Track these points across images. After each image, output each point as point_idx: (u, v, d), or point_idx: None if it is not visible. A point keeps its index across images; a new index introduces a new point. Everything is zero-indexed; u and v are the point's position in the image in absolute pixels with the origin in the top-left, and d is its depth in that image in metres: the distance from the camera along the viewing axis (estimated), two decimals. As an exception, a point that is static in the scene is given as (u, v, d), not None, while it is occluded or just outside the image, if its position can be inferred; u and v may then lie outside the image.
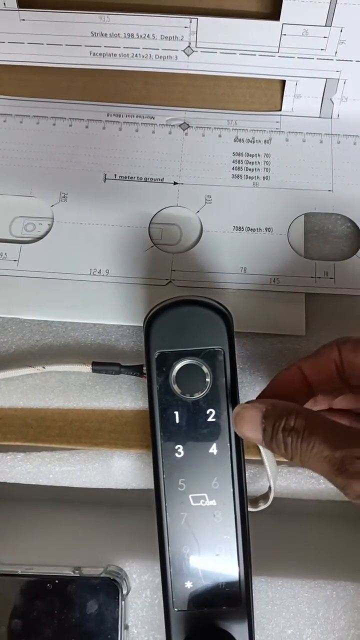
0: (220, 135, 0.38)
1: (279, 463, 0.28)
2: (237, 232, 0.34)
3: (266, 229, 0.35)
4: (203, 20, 0.35)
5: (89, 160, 0.37)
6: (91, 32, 0.36)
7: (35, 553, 0.30)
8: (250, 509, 0.26)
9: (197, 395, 0.25)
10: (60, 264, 0.33)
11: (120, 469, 0.30)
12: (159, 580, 0.26)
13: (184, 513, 0.25)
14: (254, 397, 0.30)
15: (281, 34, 0.35)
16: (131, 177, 0.36)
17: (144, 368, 0.27)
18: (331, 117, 0.38)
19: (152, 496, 0.26)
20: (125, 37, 0.36)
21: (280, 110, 0.39)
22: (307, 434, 0.21)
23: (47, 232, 0.35)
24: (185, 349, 0.25)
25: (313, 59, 0.36)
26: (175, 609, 0.26)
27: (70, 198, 0.36)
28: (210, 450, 0.25)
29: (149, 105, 0.39)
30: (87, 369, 0.30)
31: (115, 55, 0.37)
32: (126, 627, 0.29)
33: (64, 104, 0.39)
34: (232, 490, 0.25)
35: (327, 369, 0.24)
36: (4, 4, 0.35)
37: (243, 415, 0.23)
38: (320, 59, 0.36)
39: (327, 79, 0.37)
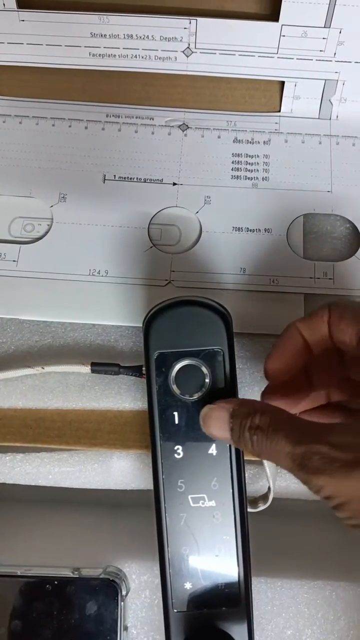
0: (219, 136, 0.38)
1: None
2: (236, 232, 0.35)
3: (265, 230, 0.35)
4: (202, 21, 0.35)
5: (88, 161, 0.37)
6: (90, 33, 0.36)
7: (35, 554, 0.30)
8: (249, 510, 0.26)
9: (197, 396, 0.25)
10: (60, 264, 0.33)
11: (120, 470, 0.30)
12: (158, 581, 0.26)
13: (183, 514, 0.25)
14: (253, 398, 0.30)
15: (280, 35, 0.35)
16: (130, 178, 0.36)
17: (143, 368, 0.27)
18: (330, 118, 0.38)
19: (152, 497, 0.26)
20: (124, 38, 0.36)
21: (279, 111, 0.39)
22: (271, 431, 0.21)
23: (47, 232, 0.35)
24: (184, 350, 0.25)
25: (312, 60, 0.36)
26: (175, 610, 0.26)
27: (69, 199, 0.36)
28: (210, 451, 0.25)
29: (148, 106, 0.39)
30: (86, 369, 0.30)
31: (114, 56, 0.37)
32: (125, 628, 0.29)
33: (63, 104, 0.39)
34: (231, 490, 0.25)
35: (320, 330, 0.25)
36: (4, 4, 0.35)
37: (210, 415, 0.24)
38: (319, 60, 0.36)
39: (326, 80, 0.37)
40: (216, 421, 0.23)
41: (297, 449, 0.20)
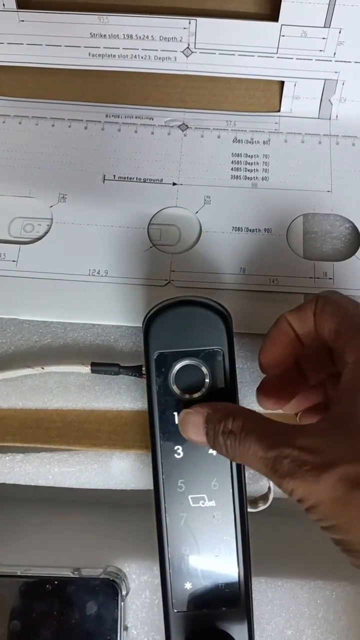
0: (219, 136, 0.38)
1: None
2: (236, 232, 0.35)
3: (265, 230, 0.35)
4: (202, 21, 0.35)
5: (87, 161, 0.37)
6: (90, 33, 0.36)
7: (35, 554, 0.30)
8: (249, 510, 0.26)
9: (197, 396, 0.25)
10: (59, 264, 0.33)
11: (120, 470, 0.30)
12: (158, 581, 0.26)
13: (183, 514, 0.25)
14: (253, 398, 0.30)
15: (280, 35, 0.35)
16: (130, 178, 0.36)
17: (143, 368, 0.27)
18: (330, 118, 0.38)
19: (152, 497, 0.26)
20: (124, 38, 0.36)
21: (279, 111, 0.39)
22: (243, 435, 0.22)
23: (46, 232, 0.35)
24: (184, 350, 0.25)
25: (312, 60, 0.36)
26: (175, 610, 0.26)
27: (69, 199, 0.36)
28: (210, 451, 0.25)
29: (147, 106, 0.39)
30: (86, 369, 0.30)
31: (114, 56, 0.37)
32: (125, 628, 0.29)
33: (62, 105, 0.39)
34: (231, 491, 0.25)
35: (309, 322, 0.25)
36: (3, 4, 0.35)
37: (187, 420, 0.24)
38: (319, 60, 0.36)
39: (325, 80, 0.37)
40: (192, 426, 0.24)
41: (268, 453, 0.21)
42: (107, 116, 0.38)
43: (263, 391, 0.27)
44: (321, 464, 0.20)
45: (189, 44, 0.36)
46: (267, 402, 0.27)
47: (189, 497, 0.25)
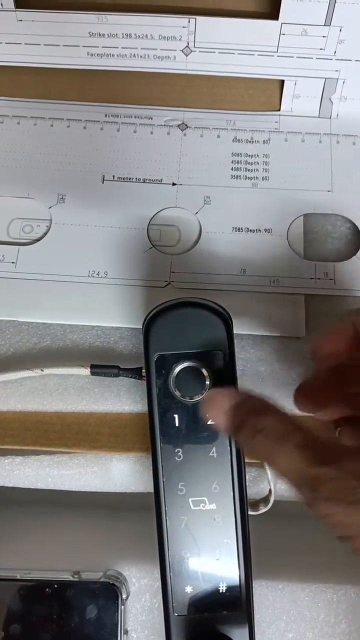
0: (218, 136, 0.38)
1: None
2: (236, 233, 0.34)
3: (265, 230, 0.34)
4: (201, 20, 0.35)
5: (86, 161, 0.37)
6: (89, 33, 0.36)
7: (34, 557, 0.30)
8: (250, 513, 0.26)
9: (197, 398, 0.25)
10: (59, 265, 0.33)
11: (119, 473, 0.29)
12: (158, 584, 0.26)
13: (183, 517, 0.25)
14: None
15: (280, 34, 0.35)
16: (129, 178, 0.36)
17: (143, 370, 0.27)
18: (330, 117, 0.38)
19: (152, 500, 0.25)
20: (123, 37, 0.36)
21: (279, 110, 0.38)
22: (277, 438, 0.20)
23: (45, 233, 0.34)
24: (184, 351, 0.25)
25: (312, 58, 0.36)
26: (175, 614, 0.25)
27: (68, 199, 0.35)
28: (210, 454, 0.25)
29: (147, 106, 0.38)
30: (86, 371, 0.30)
31: (113, 55, 0.37)
32: (126, 632, 0.29)
33: (61, 104, 0.38)
34: (232, 493, 0.25)
35: None
36: (1, 4, 0.35)
37: (215, 399, 0.22)
38: (320, 58, 0.36)
39: (326, 78, 0.37)
40: (219, 408, 0.22)
41: (311, 468, 0.19)
42: (106, 116, 0.38)
43: (302, 391, 0.26)
44: None
45: (188, 43, 0.36)
46: (304, 404, 0.27)
47: (190, 500, 0.25)
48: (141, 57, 0.37)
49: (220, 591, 0.25)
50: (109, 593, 0.29)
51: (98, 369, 0.30)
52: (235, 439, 0.22)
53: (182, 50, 0.36)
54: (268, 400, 0.22)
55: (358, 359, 0.25)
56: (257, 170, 0.36)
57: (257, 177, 0.36)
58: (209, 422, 0.24)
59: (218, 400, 0.22)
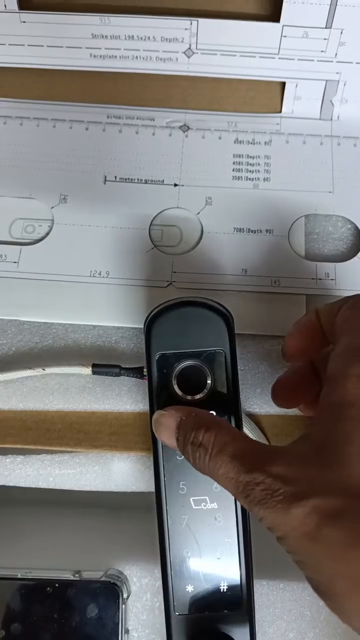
0: (220, 137, 0.38)
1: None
2: (237, 233, 0.34)
3: (267, 231, 0.34)
4: (203, 22, 0.35)
5: (89, 162, 0.37)
6: (91, 34, 0.36)
7: (35, 556, 0.30)
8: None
9: (198, 397, 0.25)
10: (61, 265, 0.33)
11: (121, 472, 0.29)
12: (159, 583, 0.26)
13: (184, 516, 0.25)
14: (255, 399, 0.30)
15: (281, 36, 0.35)
16: (131, 179, 0.36)
17: (145, 370, 0.27)
18: (331, 119, 0.38)
19: (153, 499, 0.25)
20: (125, 39, 0.36)
21: (280, 112, 0.39)
22: (214, 451, 0.21)
23: (47, 234, 0.35)
24: (186, 351, 0.25)
25: (313, 60, 0.36)
26: (176, 613, 0.25)
27: (70, 200, 0.35)
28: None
29: (149, 107, 0.39)
30: (87, 371, 0.30)
31: (115, 57, 0.37)
32: (127, 631, 0.29)
33: (64, 106, 0.39)
34: (233, 492, 0.25)
35: (333, 320, 0.23)
36: (5, 6, 0.35)
37: (160, 422, 0.23)
38: (321, 60, 0.36)
39: (327, 80, 0.37)
40: (165, 429, 0.23)
41: (240, 476, 0.19)
42: (108, 117, 0.38)
43: (278, 387, 0.27)
44: (292, 495, 0.18)
45: (190, 45, 0.36)
46: (281, 400, 0.27)
47: (191, 499, 0.25)
48: (143, 58, 0.37)
49: (221, 590, 0.25)
50: (110, 592, 0.28)
51: (99, 369, 0.30)
52: (184, 456, 0.22)
53: (184, 52, 0.36)
54: (209, 414, 0.23)
55: (326, 354, 0.25)
56: (259, 171, 0.36)
57: (258, 178, 0.36)
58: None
59: (163, 422, 0.23)
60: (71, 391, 0.30)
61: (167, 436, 0.23)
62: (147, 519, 0.26)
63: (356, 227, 0.35)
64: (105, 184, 0.36)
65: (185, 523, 0.25)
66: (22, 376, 0.30)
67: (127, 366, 0.30)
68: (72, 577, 0.29)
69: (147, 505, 0.26)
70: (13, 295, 0.33)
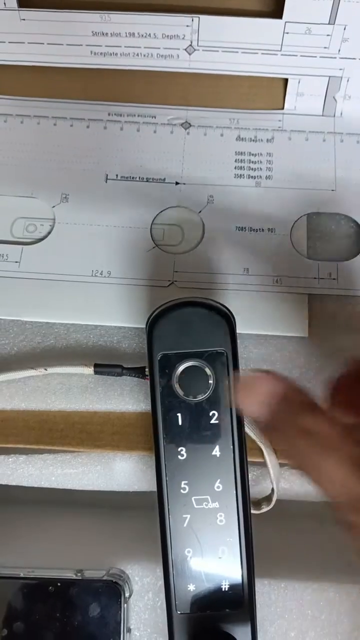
0: (222, 135, 0.38)
1: (281, 465, 0.28)
2: (239, 232, 0.34)
3: (269, 229, 0.34)
4: (205, 18, 0.35)
5: (90, 160, 0.37)
6: (92, 32, 0.36)
7: (37, 556, 0.30)
8: (253, 511, 0.26)
9: (200, 397, 0.25)
10: (62, 265, 0.33)
11: (123, 471, 0.30)
12: (161, 582, 0.26)
13: (186, 515, 0.25)
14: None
15: (284, 32, 0.35)
16: (133, 177, 0.36)
17: (147, 370, 0.27)
18: (334, 116, 0.38)
19: (155, 498, 0.25)
20: (126, 36, 0.36)
21: (282, 108, 0.38)
22: (331, 444, 0.17)
23: (49, 233, 0.34)
24: (188, 351, 0.25)
25: (316, 57, 0.36)
26: (178, 612, 0.26)
27: (71, 199, 0.35)
28: (213, 453, 0.25)
29: (150, 105, 0.38)
30: (89, 370, 0.30)
31: (116, 54, 0.37)
32: (129, 630, 0.29)
33: (64, 103, 0.38)
34: (235, 492, 0.25)
35: None
36: (4, 3, 0.35)
37: (252, 385, 0.19)
38: (323, 57, 0.36)
39: (330, 77, 0.37)
40: (256, 395, 0.18)
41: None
42: (109, 115, 0.38)
43: (341, 389, 0.21)
44: None
45: (191, 42, 0.36)
46: (345, 405, 0.21)
47: (193, 498, 0.25)
48: (144, 56, 0.36)
49: (223, 589, 0.25)
50: (112, 591, 0.29)
51: (101, 368, 0.30)
52: (267, 434, 0.19)
53: (185, 49, 0.36)
54: (314, 398, 0.19)
55: None
56: (261, 169, 0.36)
57: (260, 176, 0.36)
58: (243, 408, 0.20)
59: (256, 386, 0.19)
60: (73, 391, 0.30)
61: (254, 404, 0.18)
62: (149, 519, 0.26)
63: (359, 226, 0.35)
64: (106, 182, 0.36)
65: (187, 522, 0.25)
66: (24, 376, 0.30)
67: (129, 366, 0.30)
68: (74, 577, 0.29)
69: (149, 504, 0.26)
70: (15, 295, 0.33)
